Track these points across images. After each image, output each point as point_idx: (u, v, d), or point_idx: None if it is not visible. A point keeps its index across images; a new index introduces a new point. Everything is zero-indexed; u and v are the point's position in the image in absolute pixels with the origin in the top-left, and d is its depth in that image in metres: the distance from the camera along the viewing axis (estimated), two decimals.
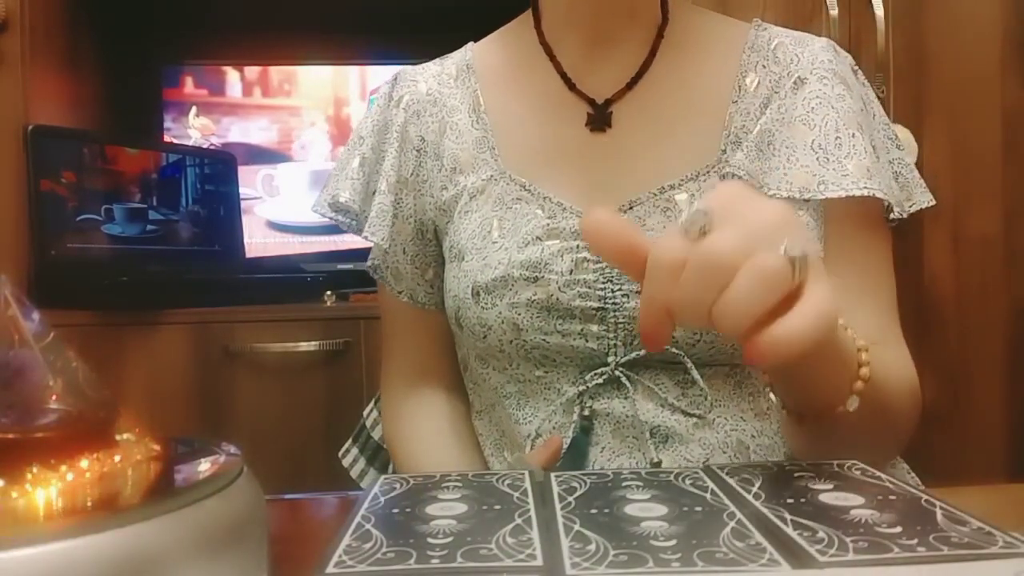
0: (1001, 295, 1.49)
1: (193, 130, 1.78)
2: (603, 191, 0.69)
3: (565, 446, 0.66)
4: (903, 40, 1.46)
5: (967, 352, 1.50)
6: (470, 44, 0.80)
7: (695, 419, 0.65)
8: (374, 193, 0.76)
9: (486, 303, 0.68)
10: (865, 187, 0.63)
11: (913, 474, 0.75)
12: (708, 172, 0.67)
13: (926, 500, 0.39)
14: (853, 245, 0.67)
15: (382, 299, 0.82)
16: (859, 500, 0.39)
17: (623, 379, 0.66)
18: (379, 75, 1.83)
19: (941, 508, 0.37)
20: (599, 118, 0.71)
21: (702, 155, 0.68)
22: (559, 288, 0.65)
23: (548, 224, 0.68)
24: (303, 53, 1.82)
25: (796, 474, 0.44)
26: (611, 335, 0.66)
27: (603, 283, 0.65)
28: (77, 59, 1.62)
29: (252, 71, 1.81)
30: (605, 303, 0.65)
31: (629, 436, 0.66)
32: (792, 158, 0.65)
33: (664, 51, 0.72)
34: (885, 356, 0.58)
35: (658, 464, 0.64)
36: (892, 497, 0.39)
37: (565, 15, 0.73)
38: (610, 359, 0.66)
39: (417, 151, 0.76)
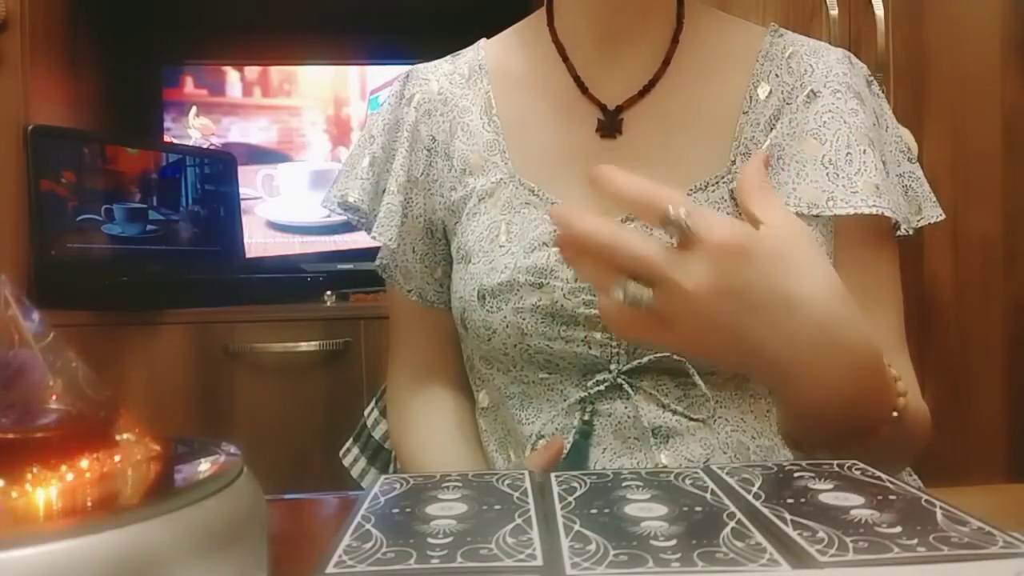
0: (1001, 295, 1.50)
1: (193, 130, 1.78)
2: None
3: (566, 450, 0.66)
4: (903, 40, 1.45)
5: (967, 352, 1.50)
6: (482, 41, 0.80)
7: (697, 423, 0.66)
8: (383, 192, 0.75)
9: (491, 307, 0.68)
10: (874, 205, 0.62)
11: (914, 476, 0.75)
12: (717, 182, 0.67)
13: (926, 500, 0.39)
14: (860, 262, 0.67)
15: (390, 298, 0.82)
16: (859, 500, 0.39)
17: (625, 386, 0.66)
18: (379, 75, 1.83)
19: (941, 508, 0.37)
20: (610, 124, 0.71)
21: (711, 165, 0.68)
22: (564, 295, 0.65)
23: (555, 230, 0.67)
24: (303, 53, 1.82)
25: (796, 474, 0.44)
26: (614, 343, 0.66)
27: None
28: (77, 59, 1.62)
29: (252, 71, 1.81)
30: None
31: (631, 437, 0.66)
32: (802, 173, 0.65)
33: (678, 58, 0.71)
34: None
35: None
36: (892, 497, 0.39)
37: (577, 13, 0.72)
38: (612, 366, 0.66)
39: (428, 151, 0.76)
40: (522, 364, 0.69)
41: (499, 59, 0.78)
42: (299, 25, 1.78)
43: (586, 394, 0.67)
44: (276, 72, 1.82)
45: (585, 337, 0.66)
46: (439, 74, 0.78)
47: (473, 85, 0.77)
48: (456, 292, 0.72)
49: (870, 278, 0.67)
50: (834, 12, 1.42)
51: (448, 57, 0.80)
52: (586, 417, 0.67)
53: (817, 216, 0.64)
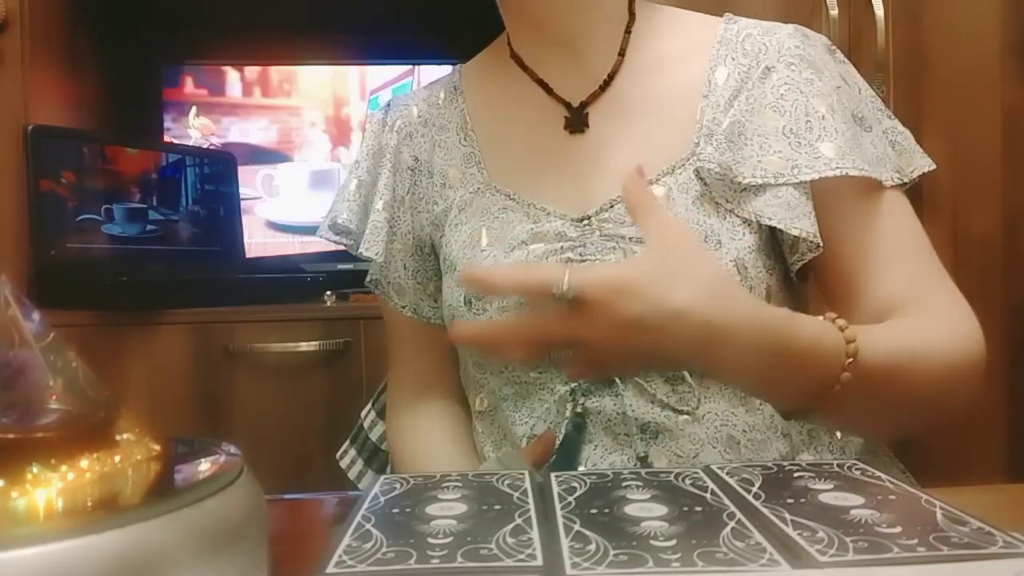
0: (1000, 295, 1.49)
1: (193, 130, 1.78)
2: (584, 192, 0.71)
3: (557, 443, 0.67)
4: (903, 40, 1.45)
5: None
6: (458, 67, 0.84)
7: (684, 416, 0.66)
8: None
9: (478, 309, 0.70)
10: (838, 167, 0.64)
11: (907, 473, 0.75)
12: (683, 164, 0.69)
13: (926, 500, 0.39)
14: (854, 220, 0.67)
15: (386, 314, 0.84)
16: (859, 500, 0.39)
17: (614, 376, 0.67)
18: (379, 75, 1.83)
19: (941, 508, 0.37)
20: (576, 120, 0.73)
21: (676, 149, 0.70)
22: None
23: (533, 229, 0.70)
24: (303, 53, 1.82)
25: (796, 474, 0.44)
26: None
27: None
28: (77, 59, 1.61)
29: (252, 71, 1.81)
30: None
31: (620, 433, 0.67)
32: (764, 145, 0.66)
33: (634, 50, 0.74)
34: (904, 324, 0.60)
35: (643, 458, 0.65)
36: (892, 497, 0.39)
37: (526, 23, 0.75)
38: None
39: (412, 171, 0.79)
40: (512, 364, 0.70)
41: (472, 80, 0.81)
42: (299, 25, 1.77)
43: (575, 386, 0.67)
44: (276, 72, 1.82)
45: None
46: (418, 99, 0.82)
47: (449, 105, 0.80)
48: (446, 301, 0.75)
49: (871, 228, 0.67)
50: (834, 12, 1.42)
51: (426, 84, 0.84)
52: (578, 410, 0.67)
53: (784, 184, 0.65)
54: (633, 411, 0.66)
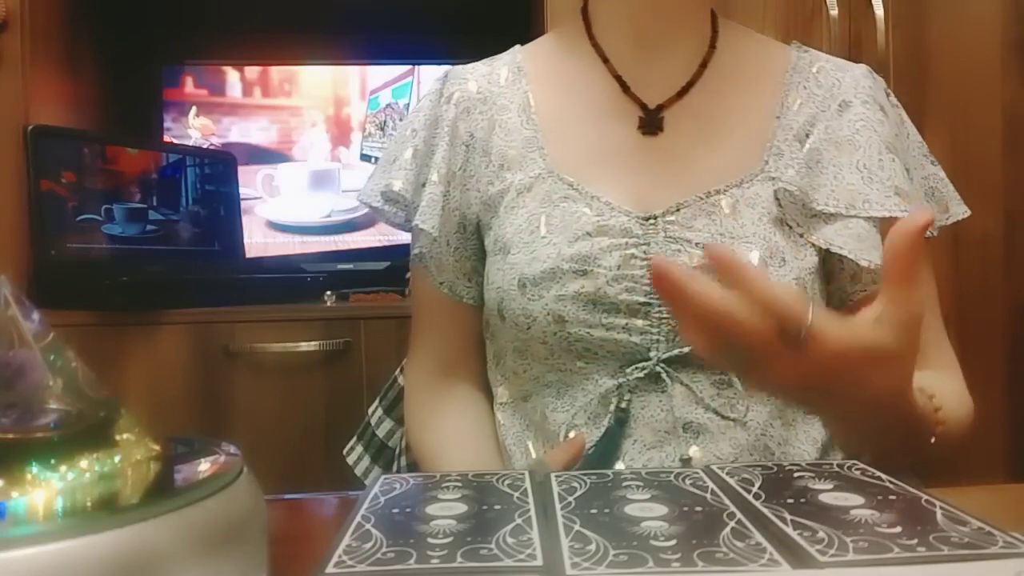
0: (1001, 295, 1.49)
1: (193, 130, 1.78)
2: (651, 193, 0.71)
3: (599, 437, 0.67)
4: (903, 40, 1.45)
5: (967, 352, 1.48)
6: (517, 47, 0.83)
7: (729, 422, 0.67)
8: (423, 184, 0.77)
9: (532, 295, 0.69)
10: (904, 210, 0.67)
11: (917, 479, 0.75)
12: (751, 179, 0.71)
13: (926, 500, 0.39)
14: None
15: (418, 290, 0.83)
16: (859, 500, 0.39)
17: (663, 375, 0.67)
18: (379, 75, 1.83)
19: (941, 508, 0.37)
20: (651, 122, 0.74)
21: (746, 163, 0.71)
22: (607, 282, 0.67)
23: (598, 221, 0.70)
24: (303, 53, 1.82)
25: (796, 474, 0.44)
26: (654, 330, 0.67)
27: (650, 279, 0.67)
28: (77, 59, 1.62)
29: (252, 71, 1.81)
30: (651, 298, 0.67)
31: (662, 430, 0.67)
32: (839, 176, 0.69)
33: (714, 63, 0.76)
34: (944, 387, 0.64)
35: (687, 460, 0.66)
36: (892, 497, 0.39)
37: (615, 18, 0.76)
38: (652, 354, 0.68)
39: (466, 146, 0.78)
40: (560, 353, 0.70)
41: (537, 62, 0.81)
42: (299, 25, 1.78)
43: (624, 380, 0.68)
44: (276, 72, 1.82)
45: (626, 324, 0.67)
46: (477, 75, 0.81)
47: (511, 85, 0.79)
48: (493, 283, 0.74)
49: None
50: (834, 12, 1.42)
51: (484, 60, 0.83)
52: (622, 405, 0.68)
53: (855, 216, 0.68)
54: (679, 411, 0.67)
